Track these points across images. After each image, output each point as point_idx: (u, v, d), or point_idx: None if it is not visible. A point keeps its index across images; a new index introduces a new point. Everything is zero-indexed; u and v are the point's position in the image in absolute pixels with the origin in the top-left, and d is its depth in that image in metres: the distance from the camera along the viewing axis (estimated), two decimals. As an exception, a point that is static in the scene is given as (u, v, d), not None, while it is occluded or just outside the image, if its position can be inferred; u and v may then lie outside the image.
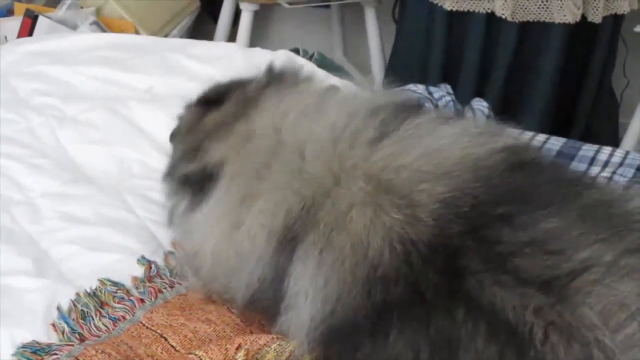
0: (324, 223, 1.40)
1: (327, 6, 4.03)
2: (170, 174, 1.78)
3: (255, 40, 3.85)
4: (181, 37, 3.88)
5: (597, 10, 3.15)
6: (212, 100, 1.80)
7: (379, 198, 1.37)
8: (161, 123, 2.18)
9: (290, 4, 3.53)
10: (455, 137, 1.47)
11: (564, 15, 3.07)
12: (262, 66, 2.15)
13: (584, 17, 3.12)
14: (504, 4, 3.03)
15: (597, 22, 3.15)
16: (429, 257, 1.31)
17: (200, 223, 1.61)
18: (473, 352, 1.24)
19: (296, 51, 2.69)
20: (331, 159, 1.45)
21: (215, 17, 3.99)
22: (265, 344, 1.47)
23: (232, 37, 3.88)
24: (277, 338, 1.48)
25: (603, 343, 1.20)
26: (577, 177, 1.57)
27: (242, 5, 3.74)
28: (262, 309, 1.53)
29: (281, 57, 2.53)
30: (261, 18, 4.07)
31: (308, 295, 1.39)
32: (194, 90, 2.30)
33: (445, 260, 1.30)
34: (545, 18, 3.09)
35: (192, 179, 1.66)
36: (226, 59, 2.50)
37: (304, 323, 1.39)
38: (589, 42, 3.26)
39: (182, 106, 1.87)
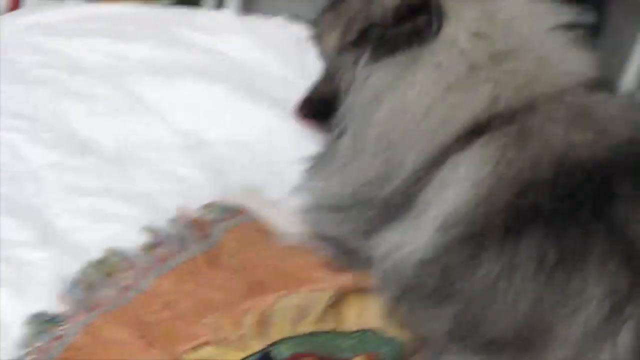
0: (519, 127, 1.44)
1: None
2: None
3: (246, 4, 3.82)
4: (169, 2, 3.84)
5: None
6: None
7: (577, 119, 1.45)
8: (163, 94, 2.18)
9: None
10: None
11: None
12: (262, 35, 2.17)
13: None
14: None
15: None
16: (587, 177, 1.38)
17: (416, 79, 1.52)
18: (600, 271, 1.32)
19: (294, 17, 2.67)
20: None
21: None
22: (273, 303, 1.50)
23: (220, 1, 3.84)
24: (282, 295, 1.53)
25: None
26: None
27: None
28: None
29: (280, 24, 2.54)
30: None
31: (463, 183, 1.44)
32: (194, 60, 2.32)
33: (601, 182, 1.38)
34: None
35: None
36: (225, 28, 2.50)
37: (451, 209, 1.44)
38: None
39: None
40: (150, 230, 1.75)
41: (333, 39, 1.64)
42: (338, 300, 1.55)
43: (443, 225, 1.44)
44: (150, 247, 1.71)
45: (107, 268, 1.66)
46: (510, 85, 1.48)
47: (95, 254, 1.69)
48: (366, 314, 1.53)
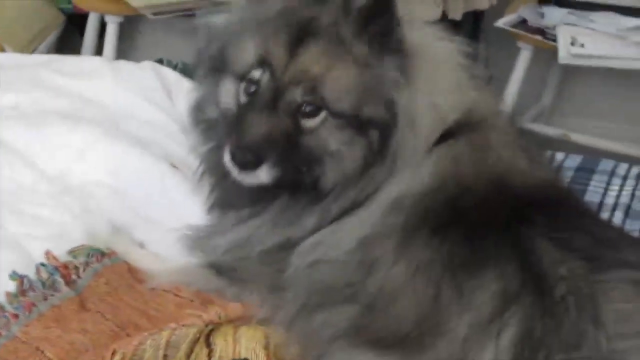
0: (481, 138, 1.64)
1: (193, 14, 4.05)
2: None
3: (124, 51, 3.85)
4: (48, 51, 3.84)
5: (457, 7, 3.24)
6: None
7: (521, 148, 1.69)
8: (30, 138, 2.18)
9: (155, 14, 3.55)
10: None
11: (425, 13, 3.16)
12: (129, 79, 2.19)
13: (444, 14, 3.21)
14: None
15: (457, 19, 3.24)
16: (514, 198, 1.58)
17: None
18: (497, 274, 1.48)
19: (160, 61, 2.72)
20: None
21: (81, 30, 3.98)
22: (140, 343, 1.52)
23: (99, 49, 3.87)
24: (150, 334, 1.54)
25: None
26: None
27: (107, 18, 3.75)
28: None
29: (146, 68, 2.57)
30: (127, 29, 4.07)
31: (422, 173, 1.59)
32: (62, 106, 2.33)
33: (523, 206, 1.57)
34: (407, 16, 3.18)
35: None
36: (93, 73, 2.51)
37: (404, 191, 1.58)
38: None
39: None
40: (17, 276, 1.74)
41: (348, 68, 1.58)
42: (209, 333, 1.59)
43: (389, 207, 1.57)
44: (18, 294, 1.71)
45: (-26, 316, 1.66)
46: (480, 100, 1.68)
47: (-38, 301, 1.68)
48: (239, 344, 1.57)
